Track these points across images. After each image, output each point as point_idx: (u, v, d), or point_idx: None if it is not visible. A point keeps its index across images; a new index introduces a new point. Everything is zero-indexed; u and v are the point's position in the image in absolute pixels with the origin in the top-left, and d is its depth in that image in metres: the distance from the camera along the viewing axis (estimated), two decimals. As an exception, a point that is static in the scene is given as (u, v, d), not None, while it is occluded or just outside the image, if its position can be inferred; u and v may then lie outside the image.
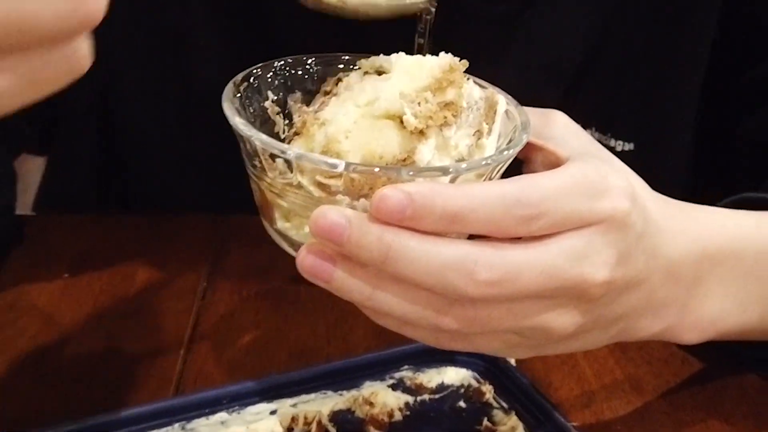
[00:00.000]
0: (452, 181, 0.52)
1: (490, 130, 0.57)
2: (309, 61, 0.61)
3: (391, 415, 0.65)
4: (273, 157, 0.53)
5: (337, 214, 0.50)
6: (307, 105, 0.60)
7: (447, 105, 0.54)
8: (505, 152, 0.54)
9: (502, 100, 0.59)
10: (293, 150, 0.51)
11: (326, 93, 0.58)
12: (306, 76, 0.61)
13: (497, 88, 0.60)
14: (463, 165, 0.53)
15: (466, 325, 0.53)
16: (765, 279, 0.65)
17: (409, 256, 0.50)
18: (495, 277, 0.51)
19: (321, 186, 0.52)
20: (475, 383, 0.68)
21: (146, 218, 0.88)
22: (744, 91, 0.86)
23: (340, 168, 0.50)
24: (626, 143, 0.86)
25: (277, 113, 0.59)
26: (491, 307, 0.52)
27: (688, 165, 0.89)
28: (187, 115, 0.88)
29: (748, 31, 0.83)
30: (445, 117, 0.54)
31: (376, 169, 0.51)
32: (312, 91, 0.60)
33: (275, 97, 0.59)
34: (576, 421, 0.65)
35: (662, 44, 0.83)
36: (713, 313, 0.63)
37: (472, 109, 0.56)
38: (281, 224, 0.55)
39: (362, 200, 0.51)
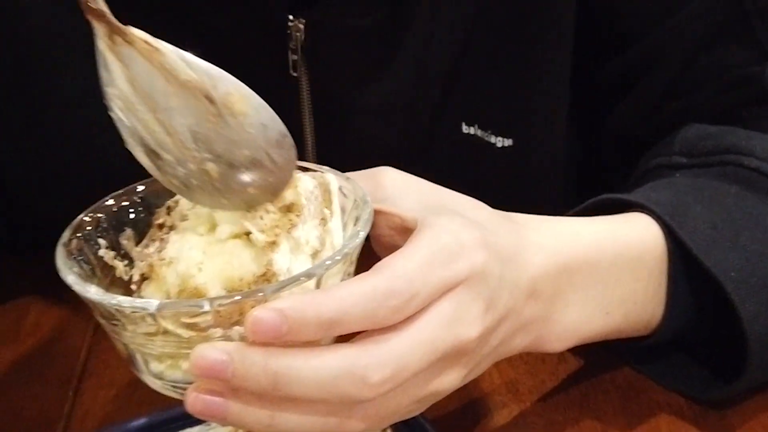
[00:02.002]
0: (318, 282, 0.53)
1: (331, 213, 0.58)
2: (131, 197, 0.60)
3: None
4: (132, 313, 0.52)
5: (215, 352, 0.50)
6: (140, 238, 0.58)
7: (289, 207, 0.55)
8: (361, 233, 0.55)
9: (333, 179, 0.59)
10: (152, 303, 0.50)
11: (160, 227, 0.57)
12: (131, 210, 0.60)
13: (323, 167, 0.60)
14: (327, 262, 0.53)
15: (372, 421, 0.54)
16: (624, 281, 0.68)
17: (298, 377, 0.51)
18: (387, 374, 0.52)
19: (189, 326, 0.51)
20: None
21: (38, 256, 0.88)
22: (606, 85, 0.88)
23: (206, 307, 0.50)
24: (505, 139, 0.88)
25: (114, 257, 0.58)
26: (389, 397, 0.54)
27: (567, 160, 0.91)
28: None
29: (605, 28, 0.85)
30: (291, 220, 0.54)
31: (238, 297, 0.50)
32: (140, 222, 0.59)
33: (107, 243, 0.58)
34: (449, 433, 0.67)
35: (524, 42, 0.84)
36: (575, 320, 0.66)
37: (311, 201, 0.56)
38: (155, 367, 0.55)
39: (236, 328, 0.51)
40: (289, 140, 0.54)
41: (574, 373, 0.75)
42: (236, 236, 0.54)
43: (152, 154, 0.53)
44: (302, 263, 0.54)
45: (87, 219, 0.58)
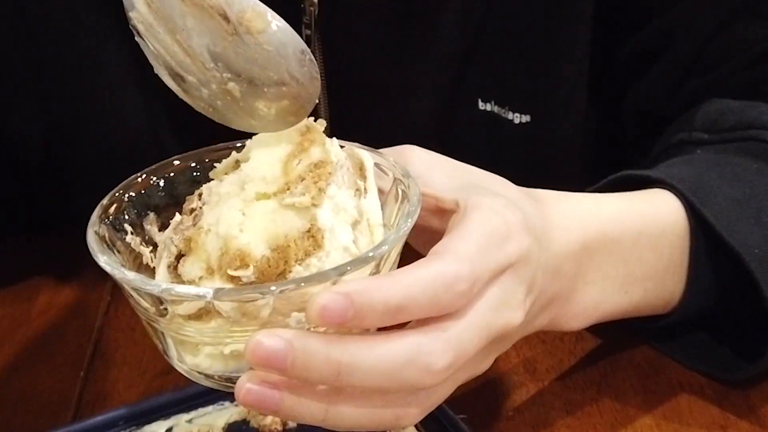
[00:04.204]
0: (378, 265, 0.52)
1: (365, 188, 0.56)
2: (152, 179, 0.59)
3: (285, 423, 0.66)
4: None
5: (274, 339, 0.48)
6: (162, 222, 0.57)
7: (317, 165, 0.53)
8: (415, 211, 0.54)
9: (366, 155, 0.57)
10: (209, 291, 0.49)
11: (192, 210, 0.55)
12: (152, 192, 0.59)
13: (356, 144, 0.59)
14: (391, 237, 0.52)
15: (425, 409, 0.54)
16: (645, 259, 0.66)
17: (362, 368, 0.49)
18: (450, 360, 0.51)
19: (243, 312, 0.50)
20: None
21: (50, 236, 0.88)
22: (626, 61, 0.86)
23: (270, 294, 0.48)
24: (523, 115, 0.87)
25: (140, 243, 0.57)
26: (443, 383, 0.53)
27: (585, 136, 0.90)
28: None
29: (625, 2, 0.83)
30: (322, 176, 0.53)
31: (302, 283, 0.49)
32: (161, 205, 0.58)
33: (132, 229, 0.57)
34: (466, 412, 0.66)
35: (541, 17, 0.83)
36: (594, 299, 0.64)
37: (344, 168, 0.55)
38: (191, 360, 0.53)
39: (294, 314, 0.49)
40: (309, 56, 0.52)
41: (593, 352, 0.73)
42: (273, 195, 0.53)
43: (177, 77, 0.52)
44: (344, 231, 0.53)
45: (111, 203, 0.57)
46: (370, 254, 0.51)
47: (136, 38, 0.51)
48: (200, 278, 0.52)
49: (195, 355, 0.53)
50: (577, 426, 0.67)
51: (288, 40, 0.51)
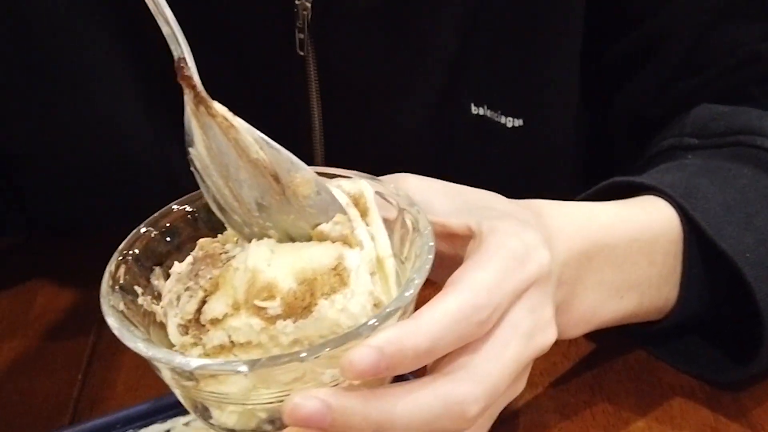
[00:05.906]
0: (405, 309, 0.52)
1: (369, 224, 0.56)
2: (152, 232, 0.59)
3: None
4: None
5: (312, 401, 0.48)
6: (167, 270, 0.57)
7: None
8: (431, 245, 0.54)
9: (366, 185, 0.58)
10: (244, 366, 0.48)
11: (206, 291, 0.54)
12: (154, 246, 0.59)
13: (351, 172, 0.60)
14: (415, 281, 0.52)
15: None
16: (639, 264, 0.67)
17: (400, 422, 0.50)
18: (482, 404, 0.52)
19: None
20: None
21: (48, 239, 0.88)
22: (616, 64, 0.87)
23: (306, 358, 0.48)
24: (515, 119, 0.87)
25: (152, 301, 0.57)
26: (484, 419, 0.55)
27: (577, 140, 0.90)
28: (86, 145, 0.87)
29: (615, 6, 0.84)
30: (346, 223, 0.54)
31: (334, 345, 0.49)
32: (164, 254, 0.59)
33: (141, 290, 0.57)
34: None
35: (533, 21, 0.83)
36: (592, 304, 0.65)
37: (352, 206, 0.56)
38: (218, 415, 0.53)
39: (329, 371, 0.50)
40: (345, 216, 0.55)
41: (586, 356, 0.74)
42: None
43: (223, 210, 0.56)
44: (366, 277, 0.53)
45: (118, 266, 0.57)
46: (397, 305, 0.51)
47: (192, 168, 0.54)
48: (225, 315, 0.52)
49: (222, 410, 0.53)
50: (571, 429, 0.68)
51: (329, 205, 0.54)
